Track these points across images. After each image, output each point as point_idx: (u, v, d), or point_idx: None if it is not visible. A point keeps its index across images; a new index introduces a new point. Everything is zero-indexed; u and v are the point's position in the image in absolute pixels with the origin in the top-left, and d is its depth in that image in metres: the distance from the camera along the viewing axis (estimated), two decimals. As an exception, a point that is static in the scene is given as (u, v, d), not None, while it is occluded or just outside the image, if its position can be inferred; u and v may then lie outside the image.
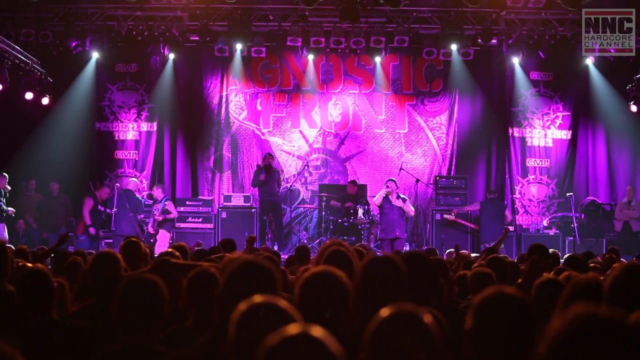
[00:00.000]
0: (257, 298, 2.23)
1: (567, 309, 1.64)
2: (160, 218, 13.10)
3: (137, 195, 13.50)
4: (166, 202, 13.23)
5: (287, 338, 1.78)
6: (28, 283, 3.63)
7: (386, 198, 12.43)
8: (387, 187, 12.47)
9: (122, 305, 2.80)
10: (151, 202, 13.57)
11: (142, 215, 13.34)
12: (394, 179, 12.89)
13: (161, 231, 13.12)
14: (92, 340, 3.08)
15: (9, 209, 12.47)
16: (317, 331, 1.80)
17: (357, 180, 14.53)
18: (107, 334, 2.94)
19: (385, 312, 2.03)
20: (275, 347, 1.76)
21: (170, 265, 3.85)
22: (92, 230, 13.33)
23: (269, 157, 13.86)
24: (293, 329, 1.81)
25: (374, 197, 12.97)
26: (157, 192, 13.46)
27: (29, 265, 4.45)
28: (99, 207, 13.47)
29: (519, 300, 2.20)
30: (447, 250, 9.69)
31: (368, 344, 1.97)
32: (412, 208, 12.89)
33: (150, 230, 13.09)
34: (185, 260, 4.95)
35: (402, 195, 12.83)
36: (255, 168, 14.30)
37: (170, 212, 13.24)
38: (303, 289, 2.76)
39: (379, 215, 12.88)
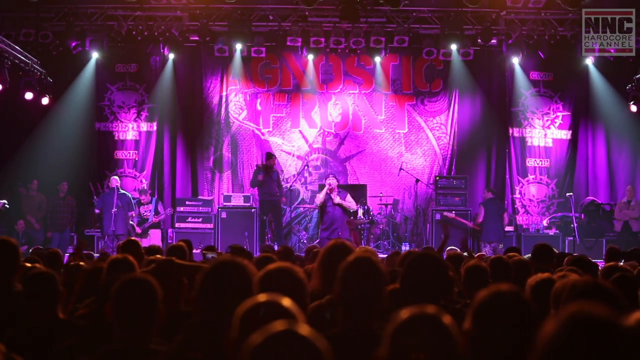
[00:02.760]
0: (261, 297, 2.23)
1: (560, 311, 1.58)
2: (157, 220, 13.32)
3: (127, 192, 13.64)
4: (157, 204, 13.54)
5: (273, 335, 1.76)
6: (35, 284, 3.65)
7: (328, 196, 12.27)
8: (329, 184, 12.30)
9: (117, 305, 2.81)
10: (138, 199, 13.71)
11: (133, 213, 13.45)
12: (335, 175, 12.72)
13: (155, 230, 13.35)
14: (100, 342, 3.09)
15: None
16: (303, 329, 1.79)
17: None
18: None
19: (405, 313, 2.02)
20: (261, 344, 1.75)
21: (174, 265, 3.85)
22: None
23: (269, 157, 13.86)
24: (278, 326, 1.80)
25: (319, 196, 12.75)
26: (145, 198, 13.63)
27: (38, 266, 4.47)
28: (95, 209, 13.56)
29: (520, 299, 2.19)
30: (448, 248, 9.65)
31: (387, 344, 1.96)
32: (352, 201, 12.53)
33: (138, 230, 13.13)
34: (189, 261, 4.94)
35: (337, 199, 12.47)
36: (255, 168, 14.31)
37: (160, 213, 13.45)
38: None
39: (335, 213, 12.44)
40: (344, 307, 2.85)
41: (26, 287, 3.66)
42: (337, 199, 12.33)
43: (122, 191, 13.34)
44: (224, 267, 2.66)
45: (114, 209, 13.02)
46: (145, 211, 13.50)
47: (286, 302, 2.23)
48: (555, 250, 6.10)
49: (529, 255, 6.13)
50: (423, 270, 3.10)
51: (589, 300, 2.66)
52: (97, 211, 13.43)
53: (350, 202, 12.52)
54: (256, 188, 13.86)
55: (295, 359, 1.75)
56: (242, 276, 2.63)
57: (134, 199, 13.81)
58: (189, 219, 13.93)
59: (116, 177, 13.69)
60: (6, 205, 12.74)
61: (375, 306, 2.77)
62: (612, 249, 7.97)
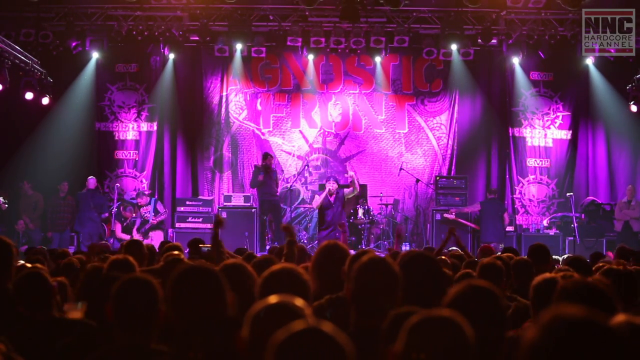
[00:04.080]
0: (272, 298, 2.25)
1: (540, 316, 1.54)
2: (156, 222, 13.28)
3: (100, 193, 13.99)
4: (156, 204, 13.50)
5: (296, 333, 1.77)
6: (26, 284, 3.65)
7: (327, 199, 12.25)
8: (329, 190, 12.22)
9: (117, 305, 2.82)
10: (135, 201, 13.70)
11: (107, 214, 13.60)
12: (336, 179, 12.58)
13: (156, 232, 13.30)
14: (100, 341, 3.09)
15: None
16: (326, 326, 1.80)
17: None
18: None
19: (423, 313, 2.02)
20: (285, 342, 1.76)
21: (182, 265, 3.86)
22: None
23: (267, 157, 13.85)
24: (301, 324, 1.81)
25: (317, 199, 12.44)
26: (143, 200, 13.56)
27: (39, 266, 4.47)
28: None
29: (492, 295, 2.18)
30: (451, 249, 9.62)
31: (403, 341, 1.95)
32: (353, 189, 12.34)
33: (135, 235, 13.03)
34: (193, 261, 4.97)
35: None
36: (254, 168, 14.31)
37: (159, 213, 13.42)
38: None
39: (330, 215, 12.23)
40: (357, 307, 2.84)
41: (17, 287, 3.66)
42: (344, 191, 12.23)
43: (99, 194, 13.67)
44: (190, 274, 2.67)
45: (114, 209, 13.10)
46: (145, 212, 13.49)
47: (298, 302, 2.24)
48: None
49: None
50: (417, 271, 3.10)
51: (579, 301, 2.66)
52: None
53: (348, 192, 12.46)
54: (256, 188, 13.85)
55: (319, 357, 1.75)
56: (211, 282, 2.64)
57: (133, 199, 13.83)
58: (189, 219, 13.92)
59: (93, 178, 13.91)
60: (5, 205, 12.74)
61: (389, 306, 2.77)
62: (622, 248, 7.95)
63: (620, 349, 1.48)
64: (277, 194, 14.00)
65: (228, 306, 2.61)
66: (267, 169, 13.60)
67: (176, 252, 5.39)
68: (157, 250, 6.99)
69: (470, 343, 1.95)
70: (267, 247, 13.20)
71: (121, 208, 13.42)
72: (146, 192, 14.04)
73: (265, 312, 2.19)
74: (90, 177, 13.99)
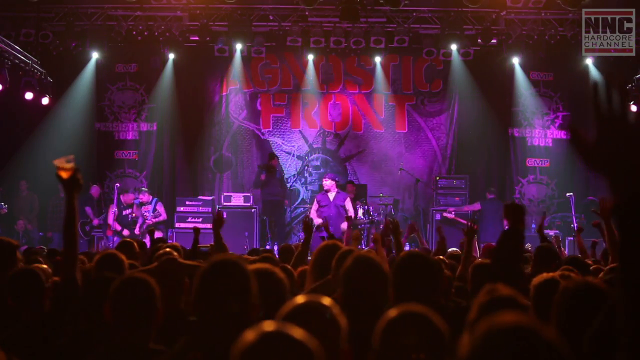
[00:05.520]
0: (300, 298, 2.24)
1: (475, 326, 1.52)
2: (153, 222, 13.23)
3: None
4: (157, 204, 13.46)
5: (264, 335, 1.75)
6: (18, 282, 3.65)
7: (324, 195, 12.24)
8: (324, 186, 12.20)
9: (115, 304, 2.82)
10: (138, 200, 13.67)
11: (97, 221, 13.66)
12: (334, 177, 12.64)
13: (155, 233, 13.26)
14: (96, 341, 3.09)
15: None
16: (293, 330, 1.78)
17: (354, 181, 14.53)
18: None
19: (393, 312, 2.01)
20: (252, 345, 1.73)
21: (176, 264, 3.87)
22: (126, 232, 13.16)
23: (271, 157, 13.86)
24: (269, 326, 1.78)
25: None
26: (144, 197, 13.48)
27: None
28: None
29: (427, 321, 2.12)
30: (450, 249, 9.61)
31: (377, 341, 1.95)
32: (351, 209, 12.43)
33: (137, 231, 13.03)
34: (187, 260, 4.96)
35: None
36: (256, 169, 14.32)
37: (160, 214, 13.37)
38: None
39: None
40: (347, 309, 2.78)
41: (10, 285, 3.66)
42: (350, 210, 12.30)
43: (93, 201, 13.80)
44: (220, 266, 2.63)
45: (114, 208, 13.15)
46: (145, 211, 13.48)
47: (326, 301, 2.23)
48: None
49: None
50: (411, 271, 3.08)
51: (580, 301, 2.65)
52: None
53: (350, 209, 12.47)
54: (258, 188, 13.87)
55: (286, 359, 1.74)
56: (240, 275, 2.61)
57: (134, 199, 13.83)
58: (189, 219, 13.89)
59: (96, 187, 14.03)
60: (5, 209, 12.79)
61: (380, 306, 2.75)
62: None
63: (552, 355, 1.45)
64: (281, 193, 13.98)
65: (252, 307, 2.54)
66: (269, 169, 13.62)
67: (168, 249, 5.36)
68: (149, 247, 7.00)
69: (444, 333, 1.95)
70: (267, 247, 13.20)
71: (121, 196, 13.35)
72: (148, 191, 14.03)
73: (293, 312, 2.18)
74: (94, 185, 13.93)
